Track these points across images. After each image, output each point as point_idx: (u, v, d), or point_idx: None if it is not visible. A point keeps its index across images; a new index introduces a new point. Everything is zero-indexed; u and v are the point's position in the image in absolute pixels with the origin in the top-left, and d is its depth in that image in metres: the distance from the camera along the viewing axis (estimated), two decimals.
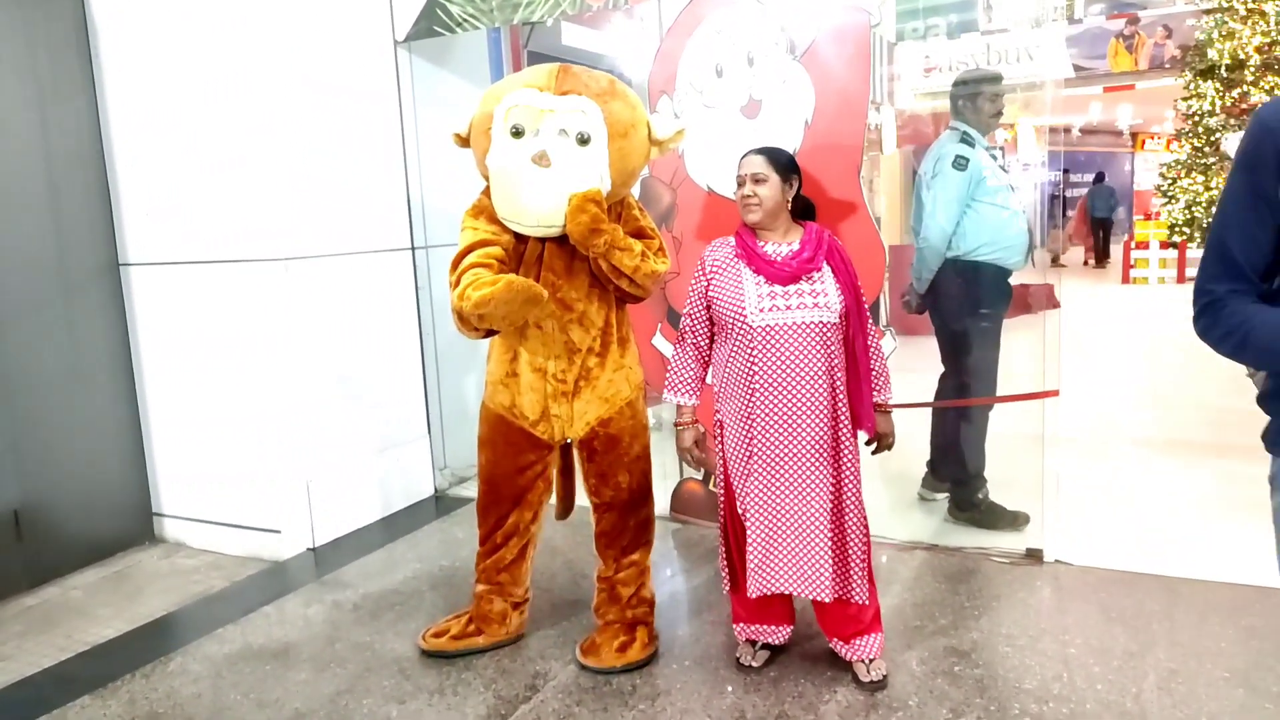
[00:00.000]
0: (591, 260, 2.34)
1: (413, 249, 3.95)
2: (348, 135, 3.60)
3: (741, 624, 2.51)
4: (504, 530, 2.54)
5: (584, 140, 2.27)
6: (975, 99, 3.35)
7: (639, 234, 2.47)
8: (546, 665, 2.53)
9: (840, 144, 3.03)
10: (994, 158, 3.48)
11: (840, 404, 2.30)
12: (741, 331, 2.30)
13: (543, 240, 2.37)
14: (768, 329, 2.27)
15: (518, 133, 2.27)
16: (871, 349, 2.39)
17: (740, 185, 2.34)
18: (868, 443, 2.43)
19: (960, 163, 3.26)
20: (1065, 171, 15.99)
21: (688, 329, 2.46)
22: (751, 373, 2.29)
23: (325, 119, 3.50)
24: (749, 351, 2.29)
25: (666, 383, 2.48)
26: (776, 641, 2.51)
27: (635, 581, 2.57)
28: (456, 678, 2.48)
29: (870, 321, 2.43)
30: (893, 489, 3.78)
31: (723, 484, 2.44)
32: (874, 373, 2.40)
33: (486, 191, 2.36)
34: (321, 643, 2.72)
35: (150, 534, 3.77)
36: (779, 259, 2.32)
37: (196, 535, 3.67)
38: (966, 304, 3.34)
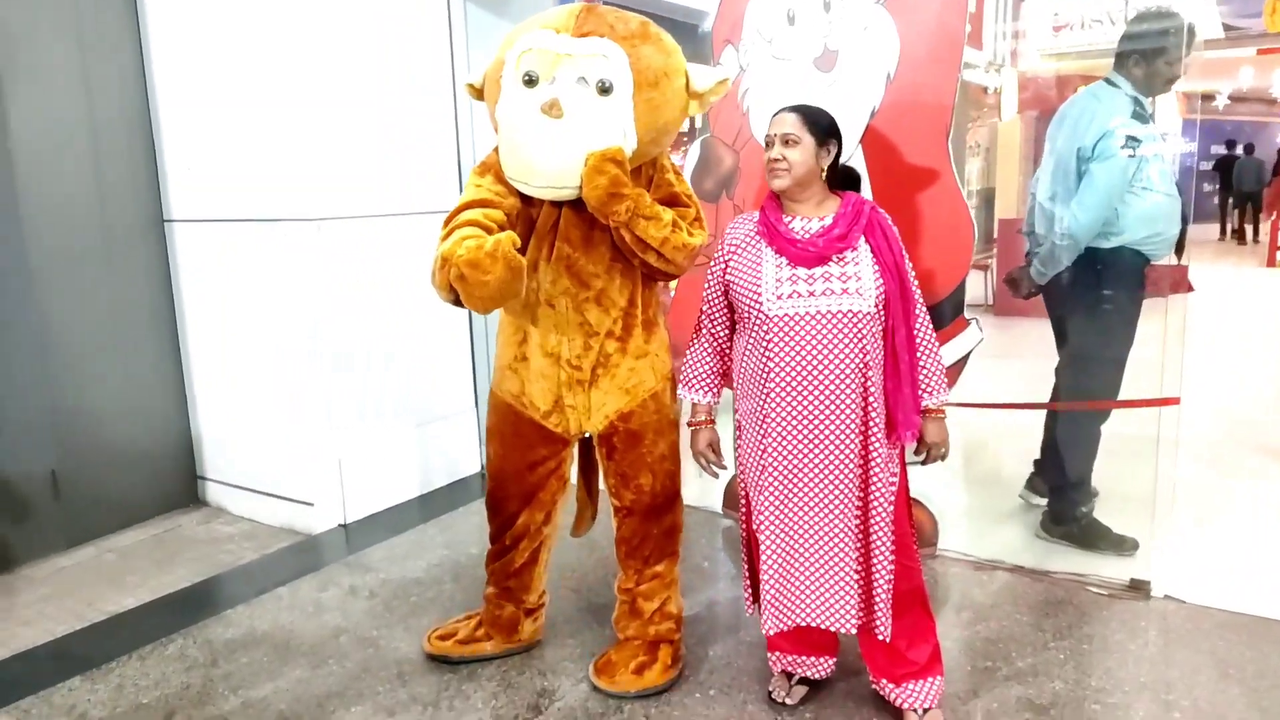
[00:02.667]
0: (613, 230, 2.03)
1: None
2: (397, 90, 3.38)
3: (777, 653, 2.20)
4: (514, 531, 2.28)
5: (605, 89, 1.95)
6: (1153, 56, 2.70)
7: (671, 200, 2.14)
8: (556, 681, 2.28)
9: (926, 102, 2.61)
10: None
11: (874, 408, 1.94)
12: (757, 320, 1.96)
13: (558, 205, 2.07)
14: (787, 318, 1.93)
15: (530, 80, 1.97)
16: (921, 343, 2.02)
17: (768, 146, 1.98)
18: (915, 452, 2.06)
19: (1132, 144, 2.67)
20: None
21: (705, 316, 2.13)
22: (767, 369, 1.95)
23: (372, 72, 3.28)
24: (765, 344, 1.95)
25: (681, 377, 2.17)
26: (816, 675, 2.19)
27: (659, 595, 2.28)
28: (456, 689, 2.25)
29: (920, 310, 2.04)
30: (974, 495, 3.35)
31: (743, 495, 2.12)
32: (922, 371, 2.02)
33: (498, 148, 2.08)
34: (326, 634, 2.54)
35: (194, 497, 3.70)
36: (805, 236, 1.96)
37: (237, 502, 3.57)
38: (1095, 292, 2.82)
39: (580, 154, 1.95)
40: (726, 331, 2.13)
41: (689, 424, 2.21)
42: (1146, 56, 2.71)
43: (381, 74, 3.33)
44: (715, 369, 2.16)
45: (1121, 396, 2.81)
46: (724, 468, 2.19)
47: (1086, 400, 2.89)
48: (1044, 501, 3.10)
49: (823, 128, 1.98)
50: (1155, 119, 2.78)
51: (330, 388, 3.27)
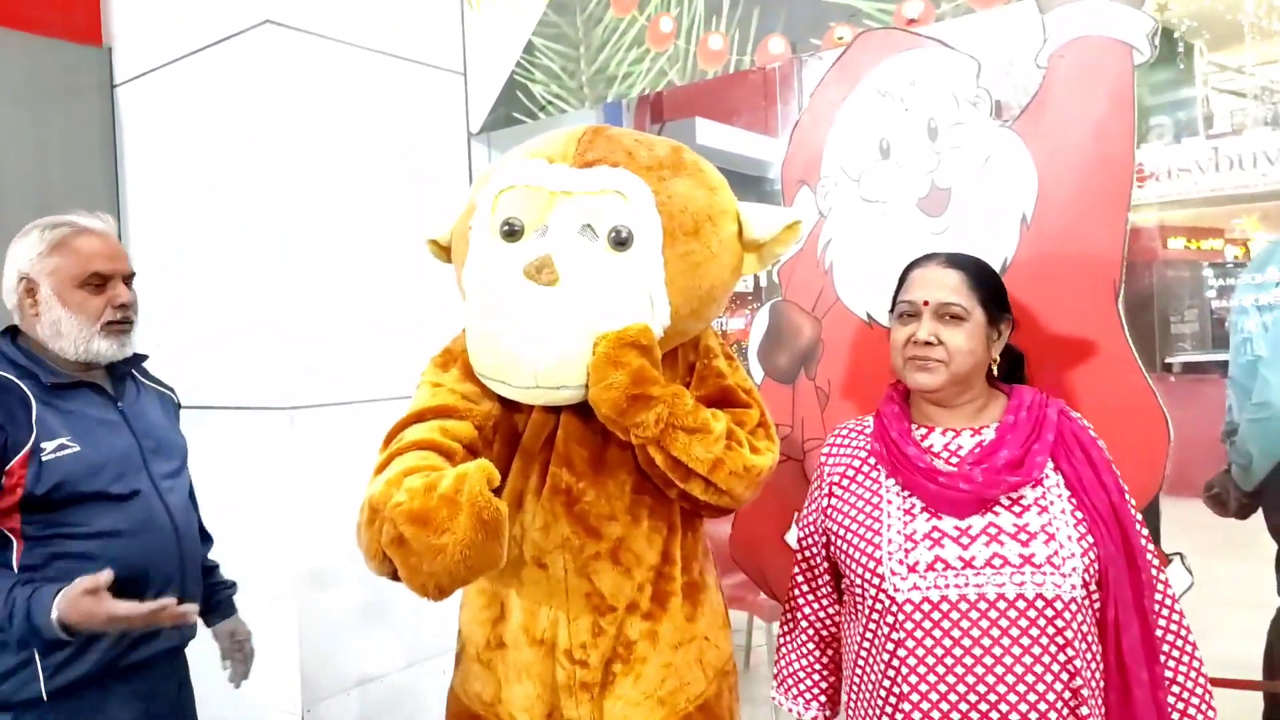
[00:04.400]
0: (637, 448, 1.33)
1: None
2: (414, 244, 2.83)
3: None
4: None
5: (621, 241, 1.31)
6: None
7: (723, 399, 1.45)
8: None
9: (1083, 253, 1.90)
10: None
11: None
12: (878, 605, 1.24)
13: (555, 411, 1.39)
14: (925, 606, 1.20)
15: (512, 231, 1.34)
16: (1167, 635, 1.22)
17: (904, 319, 1.29)
18: None
19: None
20: None
21: (798, 587, 1.39)
22: (896, 689, 1.20)
23: (387, 229, 2.75)
24: (891, 647, 1.21)
25: (774, 674, 1.40)
26: None
27: None
28: None
29: (1158, 572, 1.26)
30: None
31: None
32: (1173, 691, 1.22)
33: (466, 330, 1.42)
34: None
35: None
36: (952, 462, 1.23)
37: None
38: None
39: (586, 337, 1.28)
40: (839, 608, 1.38)
41: None
42: None
43: (399, 229, 2.80)
44: (826, 665, 1.39)
45: None
46: None
47: None
48: None
49: (997, 295, 1.29)
50: None
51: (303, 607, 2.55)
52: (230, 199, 2.63)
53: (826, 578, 1.45)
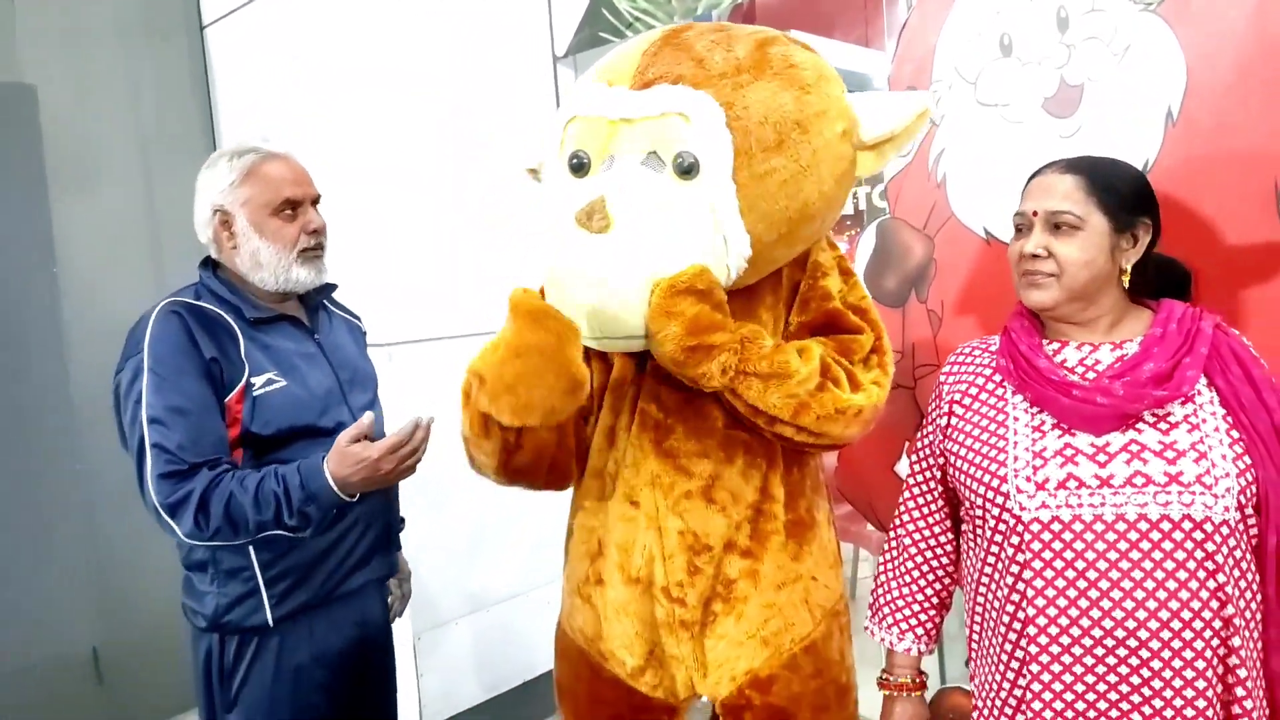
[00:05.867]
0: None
1: None
2: (502, 175, 2.78)
3: None
4: None
5: (686, 170, 1.21)
6: None
7: (829, 324, 1.34)
8: None
9: (1239, 148, 1.68)
10: None
11: (1244, 702, 1.07)
12: (1001, 527, 1.15)
13: (639, 353, 1.31)
14: (1056, 526, 1.11)
15: (579, 166, 1.27)
16: None
17: (1019, 233, 1.16)
18: None
19: None
20: None
21: (908, 510, 1.31)
22: (1021, 618, 1.12)
23: (466, 162, 2.70)
24: (1016, 571, 1.13)
25: (870, 604, 1.33)
26: None
27: None
28: None
29: None
30: None
31: None
32: None
33: None
34: None
35: None
36: (1087, 374, 1.13)
37: None
38: None
39: (645, 285, 1.20)
40: (949, 540, 1.28)
41: (880, 685, 1.36)
42: None
43: (478, 162, 2.74)
44: (926, 599, 1.31)
45: None
46: None
47: None
48: None
49: (1125, 199, 1.14)
50: None
51: None
52: (319, 134, 2.61)
53: (940, 504, 1.36)
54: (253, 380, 1.53)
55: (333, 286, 1.76)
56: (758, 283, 1.33)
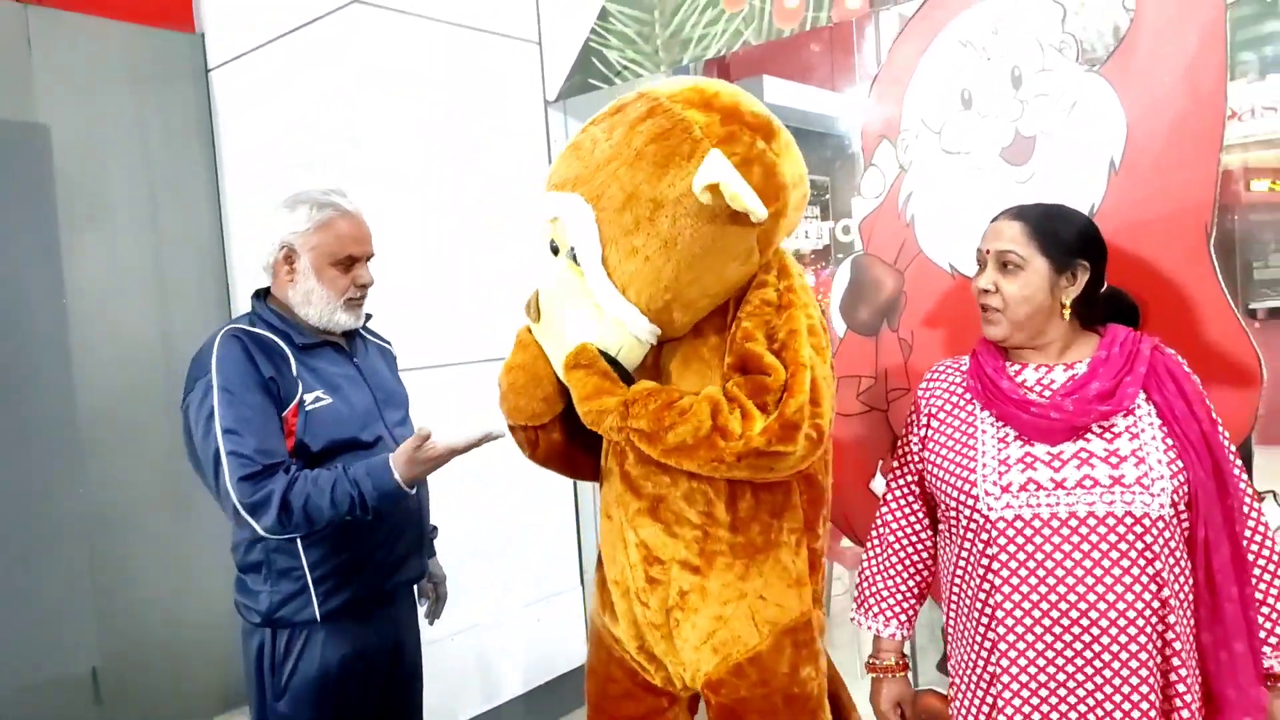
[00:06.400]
0: None
1: None
2: (489, 222, 2.93)
3: None
4: None
5: (576, 260, 1.43)
6: None
7: (743, 364, 1.39)
8: None
9: (1174, 195, 1.89)
10: None
11: (1179, 677, 1.24)
12: (972, 525, 1.31)
13: None
14: (1019, 524, 1.28)
15: (554, 249, 1.52)
16: (1259, 560, 1.27)
17: (980, 268, 1.34)
18: None
19: None
20: None
21: (890, 511, 1.47)
22: (990, 606, 1.27)
23: (469, 200, 2.85)
24: (985, 563, 1.29)
25: (855, 598, 1.48)
26: None
27: None
28: None
29: (1250, 496, 1.30)
30: None
31: None
32: (1264, 610, 1.26)
33: None
34: None
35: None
36: (1044, 394, 1.28)
37: None
38: None
39: (559, 365, 1.48)
40: (927, 537, 1.44)
41: (867, 668, 1.50)
42: None
43: (473, 207, 2.89)
44: (908, 589, 1.47)
45: None
46: None
47: None
48: None
49: (1061, 240, 1.32)
50: None
51: None
52: (320, 174, 2.75)
53: (919, 503, 1.51)
54: (304, 397, 1.69)
55: (368, 316, 1.92)
56: (700, 323, 1.46)
